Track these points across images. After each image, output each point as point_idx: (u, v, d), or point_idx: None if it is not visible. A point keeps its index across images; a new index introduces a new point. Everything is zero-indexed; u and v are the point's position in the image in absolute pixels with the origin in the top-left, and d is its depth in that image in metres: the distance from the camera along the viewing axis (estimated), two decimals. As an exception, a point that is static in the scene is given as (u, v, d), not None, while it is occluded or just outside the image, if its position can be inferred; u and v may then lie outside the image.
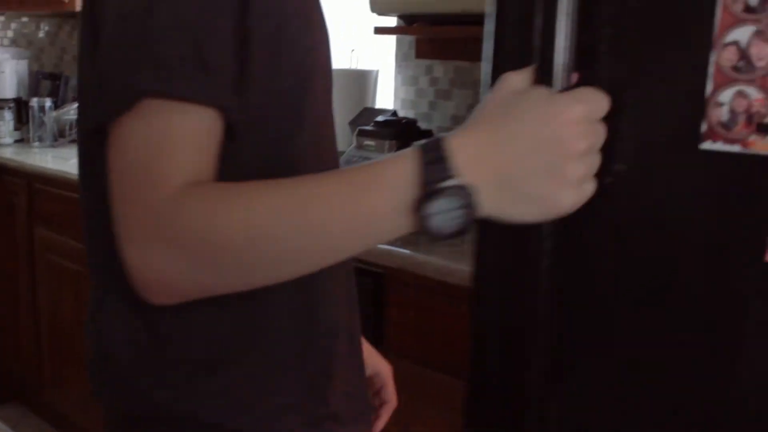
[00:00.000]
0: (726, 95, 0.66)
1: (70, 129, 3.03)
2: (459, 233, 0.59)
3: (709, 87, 0.66)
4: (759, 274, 0.66)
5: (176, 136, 0.65)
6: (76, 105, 2.62)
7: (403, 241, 1.47)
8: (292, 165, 0.75)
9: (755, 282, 0.66)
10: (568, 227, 0.67)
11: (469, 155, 0.59)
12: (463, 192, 0.58)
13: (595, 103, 0.60)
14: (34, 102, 3.02)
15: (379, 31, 2.02)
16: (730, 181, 0.66)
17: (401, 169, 0.60)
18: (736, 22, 0.66)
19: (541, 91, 0.60)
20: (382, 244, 0.68)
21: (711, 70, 0.66)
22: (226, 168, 0.69)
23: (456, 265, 1.38)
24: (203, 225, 0.62)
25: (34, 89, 3.32)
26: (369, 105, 2.25)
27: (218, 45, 0.67)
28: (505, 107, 0.61)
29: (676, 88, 0.67)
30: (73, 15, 3.23)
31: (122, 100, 0.65)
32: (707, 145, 0.66)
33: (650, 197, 0.67)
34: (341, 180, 0.64)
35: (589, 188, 0.60)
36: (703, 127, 0.66)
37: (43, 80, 3.32)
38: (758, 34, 0.65)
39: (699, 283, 0.67)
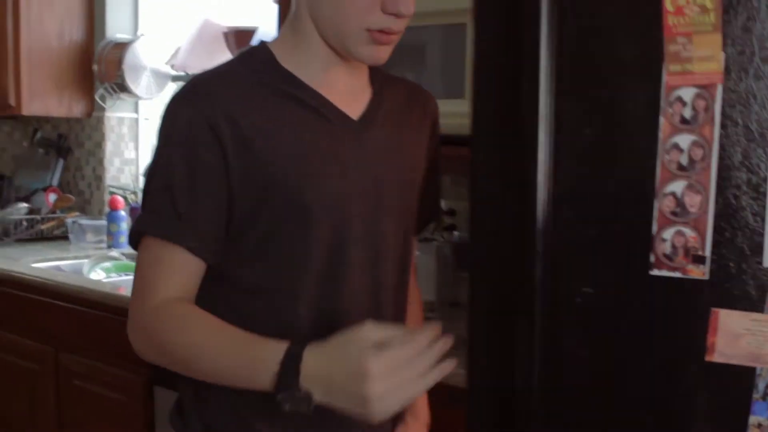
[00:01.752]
0: (668, 233, 0.86)
1: (15, 228, 2.99)
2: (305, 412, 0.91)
3: (655, 227, 0.87)
4: (701, 370, 0.84)
5: (162, 264, 1.05)
6: (20, 205, 2.87)
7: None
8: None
9: (698, 378, 0.85)
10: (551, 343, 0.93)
11: (310, 372, 0.91)
12: (303, 393, 0.91)
13: (400, 352, 0.86)
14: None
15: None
16: (675, 298, 0.86)
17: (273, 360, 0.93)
18: (673, 178, 0.86)
19: (361, 348, 0.88)
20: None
21: (655, 214, 0.87)
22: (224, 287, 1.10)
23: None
24: (162, 336, 1.04)
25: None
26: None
27: (190, 202, 1.04)
28: (342, 348, 0.90)
29: (630, 228, 0.89)
30: (13, 117, 3.14)
31: (134, 236, 1.09)
32: (656, 272, 0.87)
33: (613, 312, 0.90)
34: (240, 344, 1.00)
35: (390, 404, 0.87)
36: (652, 258, 0.87)
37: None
38: (689, 187, 0.85)
39: (650, 380, 0.88)
